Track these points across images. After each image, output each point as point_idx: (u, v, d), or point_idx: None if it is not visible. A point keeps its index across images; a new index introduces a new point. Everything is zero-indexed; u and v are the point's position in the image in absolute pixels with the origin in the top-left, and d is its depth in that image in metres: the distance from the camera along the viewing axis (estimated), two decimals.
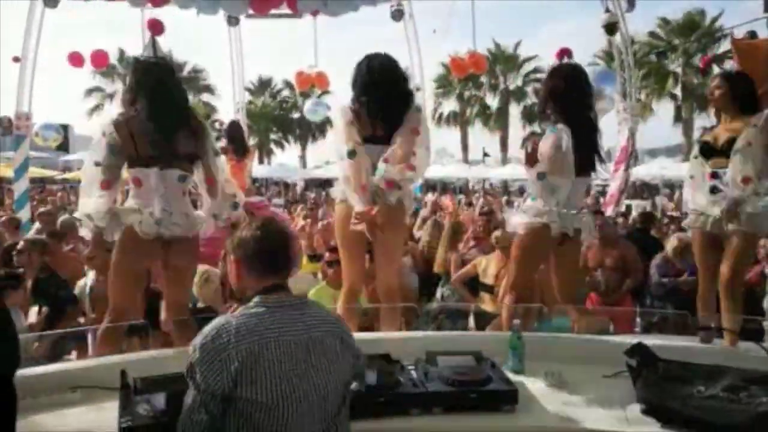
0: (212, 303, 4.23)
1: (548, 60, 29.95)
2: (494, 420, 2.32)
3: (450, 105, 35.20)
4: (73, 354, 4.16)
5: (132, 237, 3.09)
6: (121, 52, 27.99)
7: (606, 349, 2.85)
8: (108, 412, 2.27)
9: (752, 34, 6.09)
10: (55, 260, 5.39)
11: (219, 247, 4.21)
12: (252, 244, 1.81)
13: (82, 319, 4.71)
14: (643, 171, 21.05)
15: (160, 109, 3.10)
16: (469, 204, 12.80)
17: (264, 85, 37.90)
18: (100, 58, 11.81)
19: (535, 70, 32.54)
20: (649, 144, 30.20)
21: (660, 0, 35.61)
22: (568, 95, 3.42)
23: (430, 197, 15.87)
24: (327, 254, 4.92)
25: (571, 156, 3.26)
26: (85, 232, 3.38)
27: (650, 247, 6.19)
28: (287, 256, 1.86)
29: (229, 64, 14.84)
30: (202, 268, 3.94)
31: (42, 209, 9.09)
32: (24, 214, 9.52)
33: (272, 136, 38.34)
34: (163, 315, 3.44)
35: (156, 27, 9.92)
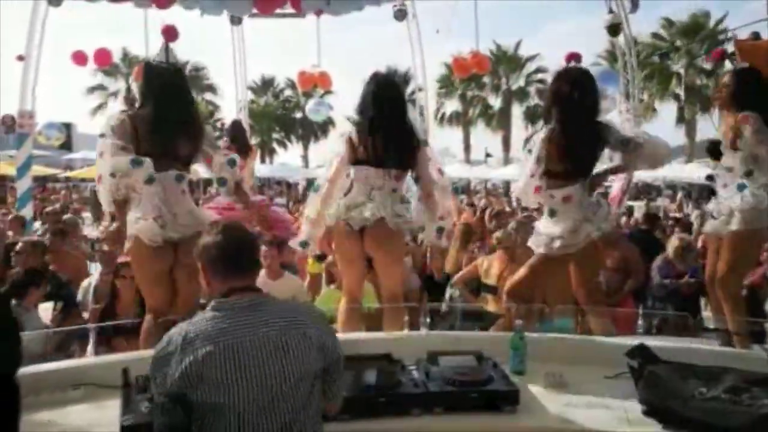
0: None
1: (551, 60, 30.00)
2: (495, 420, 2.32)
3: (452, 105, 35.20)
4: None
5: (141, 246, 3.12)
6: (125, 51, 28.04)
7: (607, 350, 2.86)
8: (110, 410, 2.28)
9: (756, 35, 6.08)
10: (58, 258, 5.41)
11: None
12: (213, 249, 1.86)
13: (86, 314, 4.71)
14: (646, 172, 20.99)
15: (166, 111, 3.14)
16: (471, 204, 12.80)
17: (267, 84, 37.90)
18: (103, 57, 11.82)
19: (538, 71, 32.52)
20: None
21: (663, 0, 35.53)
22: (573, 99, 3.39)
23: None
24: (331, 256, 4.91)
25: None
26: (105, 202, 3.27)
27: (652, 248, 6.18)
28: (249, 258, 1.91)
29: (231, 63, 14.85)
30: None
31: (49, 208, 9.12)
32: (27, 213, 9.55)
33: (275, 136, 38.34)
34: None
35: (170, 33, 9.93)
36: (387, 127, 3.36)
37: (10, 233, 6.92)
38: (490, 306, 4.92)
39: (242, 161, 7.72)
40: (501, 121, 33.81)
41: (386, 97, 3.41)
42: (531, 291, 3.63)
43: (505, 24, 59.71)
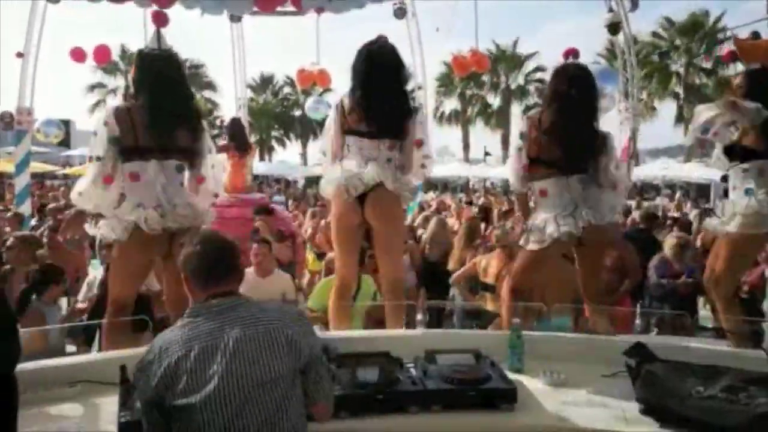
0: None
1: (549, 58, 29.98)
2: (493, 418, 2.32)
3: (451, 104, 35.18)
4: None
5: (138, 234, 3.07)
6: (123, 49, 27.98)
7: (605, 348, 2.86)
8: (108, 406, 2.28)
9: (755, 35, 6.08)
10: (57, 255, 5.40)
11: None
12: (193, 259, 1.91)
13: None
14: (645, 171, 21.04)
15: (162, 100, 3.09)
16: (470, 203, 12.81)
17: (266, 82, 37.87)
18: (102, 54, 11.78)
19: (537, 69, 32.51)
20: (650, 144, 30.15)
21: (663, 0, 35.53)
22: (570, 96, 3.37)
23: (432, 196, 15.89)
24: (330, 253, 4.94)
25: None
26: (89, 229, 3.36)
27: (650, 247, 6.18)
28: (228, 265, 1.93)
29: (231, 61, 14.85)
30: None
31: (52, 205, 9.10)
32: (25, 209, 9.55)
33: (273, 134, 38.31)
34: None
35: (160, 19, 9.80)
36: (378, 98, 3.33)
37: (8, 229, 6.92)
38: (489, 305, 4.93)
39: (241, 159, 7.76)
40: (500, 119, 33.80)
41: (378, 68, 3.37)
42: (530, 287, 3.63)
43: (504, 23, 59.79)
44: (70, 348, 4.22)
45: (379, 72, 3.37)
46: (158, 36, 9.71)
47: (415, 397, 2.36)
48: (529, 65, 33.66)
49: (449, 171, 27.53)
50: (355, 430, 2.26)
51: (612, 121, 9.67)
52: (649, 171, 21.64)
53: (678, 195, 18.36)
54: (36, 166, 17.14)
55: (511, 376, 2.54)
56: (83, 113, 32.76)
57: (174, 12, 9.49)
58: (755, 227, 3.22)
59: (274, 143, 38.77)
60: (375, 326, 3.78)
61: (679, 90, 29.36)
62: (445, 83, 33.62)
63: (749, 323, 3.44)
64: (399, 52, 3.51)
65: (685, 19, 28.97)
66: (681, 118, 29.46)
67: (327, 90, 21.19)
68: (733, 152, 3.37)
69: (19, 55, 10.36)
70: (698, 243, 6.75)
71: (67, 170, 24.19)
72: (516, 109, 33.61)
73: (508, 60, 33.66)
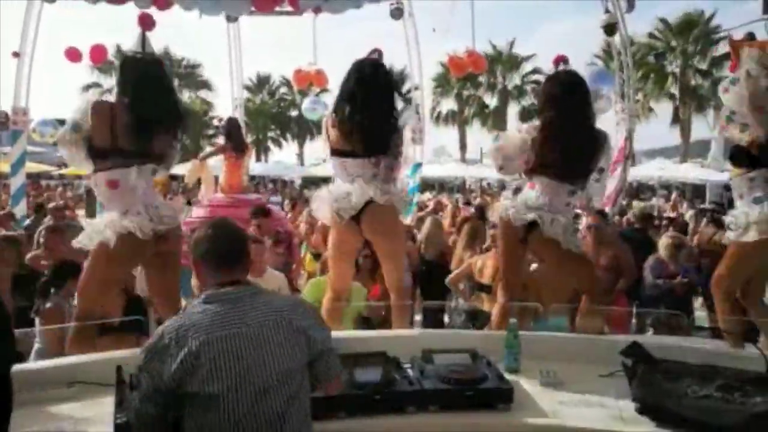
0: None
1: (546, 60, 30.00)
2: (490, 418, 2.33)
3: (448, 104, 35.22)
4: None
5: (131, 241, 3.03)
6: (119, 49, 27.90)
7: (601, 348, 2.86)
8: (104, 407, 2.27)
9: (751, 36, 6.10)
10: (53, 256, 5.37)
11: None
12: (204, 244, 1.91)
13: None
14: (641, 171, 21.09)
15: (143, 105, 3.07)
16: (467, 203, 12.82)
17: (262, 82, 37.82)
18: (98, 54, 11.75)
19: (534, 71, 32.56)
20: (647, 144, 30.26)
21: (659, 0, 35.65)
22: (563, 103, 3.35)
23: (428, 196, 15.89)
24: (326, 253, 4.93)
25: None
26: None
27: (645, 247, 6.19)
28: (240, 251, 1.94)
29: (227, 61, 14.85)
30: None
31: (52, 204, 9.08)
32: (20, 209, 9.53)
33: (270, 134, 38.28)
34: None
35: (146, 22, 9.75)
36: (364, 120, 3.30)
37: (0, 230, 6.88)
38: (485, 305, 4.93)
39: (238, 159, 7.76)
40: (497, 120, 33.81)
41: (365, 88, 3.34)
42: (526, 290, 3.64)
43: (501, 24, 59.89)
44: None
45: (366, 94, 3.34)
46: (143, 39, 9.69)
47: (412, 397, 2.36)
48: (526, 66, 33.78)
49: (446, 171, 27.55)
50: (352, 430, 2.26)
51: (608, 121, 9.70)
52: (645, 171, 21.69)
53: (674, 195, 18.38)
54: (31, 166, 17.08)
55: (508, 376, 2.55)
56: None
57: (172, 12, 9.48)
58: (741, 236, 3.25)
59: (270, 144, 38.75)
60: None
61: (675, 91, 29.44)
62: (442, 84, 33.66)
63: (746, 323, 3.45)
64: (391, 74, 3.52)
65: (680, 19, 29.07)
66: (677, 119, 29.56)
67: (324, 90, 21.12)
68: (739, 159, 3.37)
69: (15, 54, 10.35)
70: (694, 243, 6.76)
71: (63, 170, 24.11)
72: (513, 110, 33.79)
73: (504, 61, 33.71)
